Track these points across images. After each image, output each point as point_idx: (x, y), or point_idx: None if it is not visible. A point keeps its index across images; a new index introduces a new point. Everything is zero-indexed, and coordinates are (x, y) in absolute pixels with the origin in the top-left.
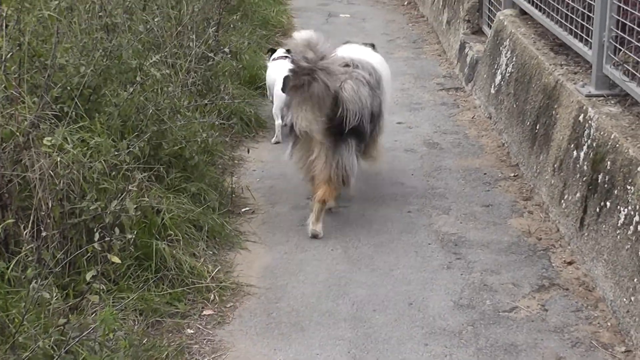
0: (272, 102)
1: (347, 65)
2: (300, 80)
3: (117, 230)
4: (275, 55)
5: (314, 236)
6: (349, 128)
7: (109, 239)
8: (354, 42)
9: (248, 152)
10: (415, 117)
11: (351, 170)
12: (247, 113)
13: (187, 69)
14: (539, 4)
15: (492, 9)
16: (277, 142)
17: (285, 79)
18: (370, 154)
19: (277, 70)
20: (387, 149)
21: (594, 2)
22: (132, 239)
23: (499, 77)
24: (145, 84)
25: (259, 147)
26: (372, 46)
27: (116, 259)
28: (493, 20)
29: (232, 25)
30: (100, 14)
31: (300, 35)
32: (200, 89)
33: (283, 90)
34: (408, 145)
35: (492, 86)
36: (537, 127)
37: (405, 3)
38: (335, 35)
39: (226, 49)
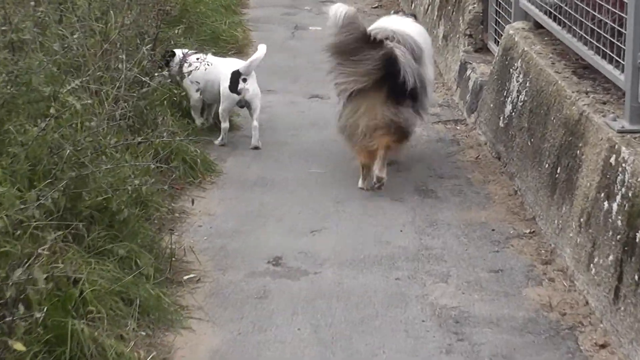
0: (196, 101)
1: (387, 38)
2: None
3: (21, 307)
4: (176, 59)
5: (379, 180)
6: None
7: (10, 319)
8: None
9: (192, 203)
10: (404, 157)
11: (412, 122)
12: (192, 153)
13: (115, 98)
14: (559, 15)
15: (499, 21)
16: (222, 145)
17: (235, 75)
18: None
19: (222, 66)
20: (370, 198)
21: (626, 14)
22: (41, 318)
23: (509, 107)
24: (62, 117)
25: (206, 196)
26: (414, 17)
27: (20, 346)
28: (501, 36)
29: (172, 42)
30: (3, 27)
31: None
32: (131, 123)
33: (232, 89)
34: (395, 192)
35: (501, 118)
36: (558, 171)
37: (392, 13)
38: (303, 55)
39: (165, 72)
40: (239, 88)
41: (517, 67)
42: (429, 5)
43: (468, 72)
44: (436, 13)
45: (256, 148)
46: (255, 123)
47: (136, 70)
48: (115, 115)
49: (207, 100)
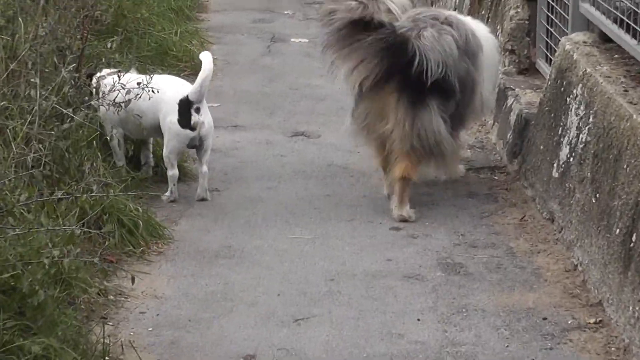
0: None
1: (435, 18)
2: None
3: None
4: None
5: (403, 221)
6: (430, 81)
7: None
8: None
9: (133, 281)
10: (422, 218)
11: (440, 134)
12: (131, 213)
13: (25, 137)
14: (634, 25)
15: (552, 31)
16: (172, 200)
17: (184, 104)
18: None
19: (165, 93)
20: (374, 275)
21: None
22: None
23: (565, 150)
24: None
25: (151, 271)
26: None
27: None
28: (554, 52)
29: (103, 60)
30: None
31: None
32: (49, 171)
33: (183, 123)
34: (410, 267)
35: (555, 166)
36: (634, 239)
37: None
38: (282, 77)
39: (94, 101)
40: (192, 122)
41: (577, 96)
42: (455, 10)
43: (509, 101)
44: None
45: (203, 200)
46: (204, 168)
47: (55, 100)
48: (26, 162)
49: (132, 136)
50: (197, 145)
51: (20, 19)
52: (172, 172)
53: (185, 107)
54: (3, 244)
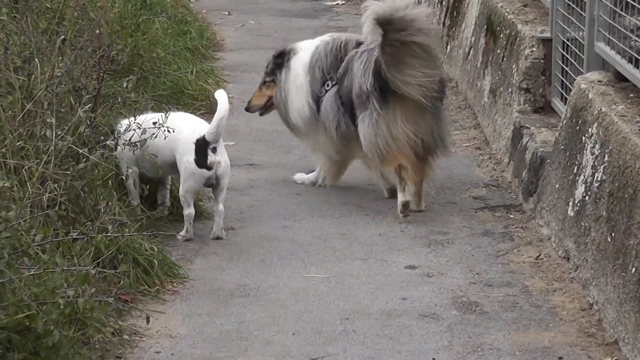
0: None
1: None
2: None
3: None
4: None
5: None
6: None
7: None
8: None
9: (148, 321)
10: (437, 257)
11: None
12: (146, 252)
13: (41, 177)
14: None
15: (567, 70)
16: (187, 239)
17: (200, 144)
18: None
19: (182, 132)
20: (390, 313)
21: None
22: None
23: (581, 189)
24: None
25: (166, 311)
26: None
27: None
28: (569, 91)
29: (120, 99)
30: None
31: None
32: (64, 210)
33: (199, 162)
34: (426, 306)
35: (570, 204)
36: None
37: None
38: None
39: (109, 141)
40: (209, 162)
41: (592, 135)
42: (470, 49)
43: (525, 139)
44: (480, 59)
45: (218, 238)
46: (221, 207)
47: (70, 140)
48: (42, 202)
49: (148, 175)
50: (213, 184)
51: (36, 60)
52: (188, 211)
53: (202, 147)
54: (18, 284)
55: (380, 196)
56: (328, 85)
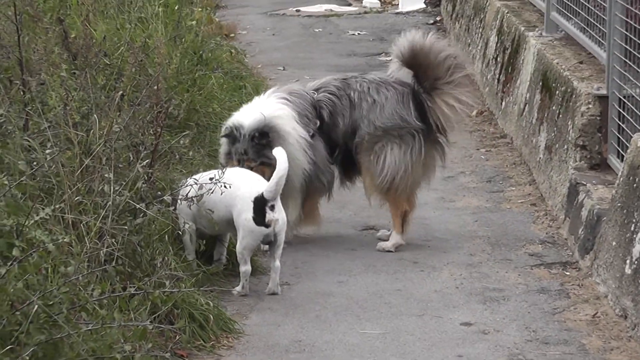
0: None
1: None
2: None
3: None
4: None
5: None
6: None
7: None
8: None
9: None
10: (493, 314)
11: None
12: (202, 307)
13: (99, 232)
14: None
15: (624, 127)
16: (243, 295)
17: (259, 202)
18: None
19: (239, 189)
20: None
21: None
22: None
23: (638, 247)
24: (28, 260)
25: None
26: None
27: None
28: (626, 148)
29: (177, 155)
30: None
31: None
32: (121, 265)
33: (258, 220)
34: None
35: (628, 262)
36: None
37: (474, 113)
38: None
39: (166, 197)
40: (267, 219)
41: None
42: (525, 105)
43: (581, 196)
44: (536, 115)
45: (274, 294)
46: (277, 263)
47: (128, 195)
48: (99, 256)
49: (205, 231)
50: (271, 241)
51: (95, 115)
52: (245, 268)
53: (260, 205)
54: (76, 339)
55: (437, 253)
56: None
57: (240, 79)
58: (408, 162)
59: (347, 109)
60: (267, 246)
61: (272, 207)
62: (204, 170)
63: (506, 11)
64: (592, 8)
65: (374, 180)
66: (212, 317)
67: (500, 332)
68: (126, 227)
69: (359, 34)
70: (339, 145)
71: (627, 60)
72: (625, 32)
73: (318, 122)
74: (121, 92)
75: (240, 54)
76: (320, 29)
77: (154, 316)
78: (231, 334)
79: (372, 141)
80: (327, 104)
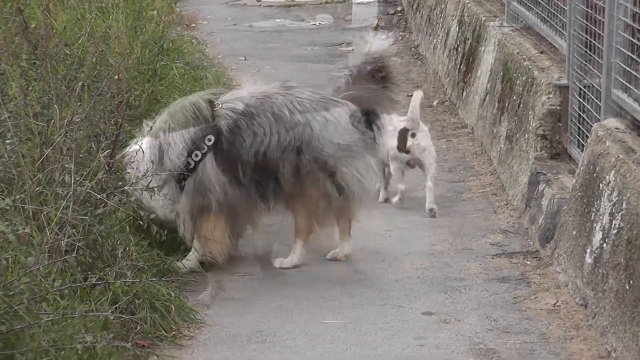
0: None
1: None
2: None
3: None
4: None
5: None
6: None
7: None
8: None
9: None
10: (454, 303)
11: None
12: (164, 297)
13: (60, 222)
14: None
15: (584, 117)
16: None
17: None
18: None
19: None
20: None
21: None
22: None
23: (598, 236)
24: None
25: (183, 356)
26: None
27: None
28: (586, 138)
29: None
30: None
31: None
32: (82, 256)
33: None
34: (443, 353)
35: (588, 251)
36: None
37: (435, 103)
38: None
39: (128, 187)
40: None
41: (610, 182)
42: (486, 95)
43: (541, 186)
44: (496, 105)
45: (432, 210)
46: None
47: (89, 185)
48: (60, 247)
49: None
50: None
51: (55, 105)
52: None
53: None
54: (37, 330)
55: (398, 243)
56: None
57: (202, 69)
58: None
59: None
60: None
61: None
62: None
63: (467, 1)
64: None
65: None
66: (173, 307)
67: (461, 322)
68: (87, 218)
69: (320, 24)
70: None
71: (587, 51)
72: (586, 23)
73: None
74: (82, 82)
75: (202, 44)
76: (282, 20)
77: (115, 306)
78: (193, 324)
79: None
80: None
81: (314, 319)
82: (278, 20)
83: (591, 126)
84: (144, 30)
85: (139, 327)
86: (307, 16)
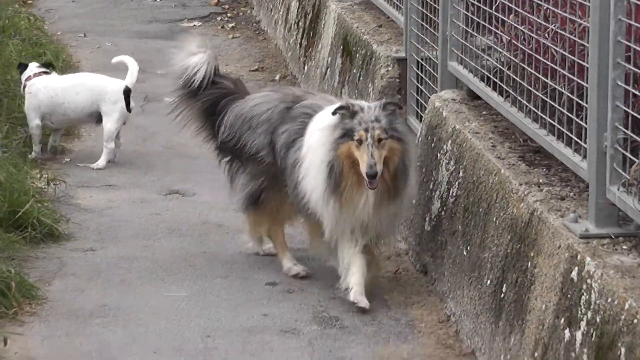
0: None
1: None
2: None
3: None
4: (28, 72)
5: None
6: None
7: None
8: None
9: (5, 343)
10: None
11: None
12: (2, 274)
13: None
14: (500, 83)
15: (422, 89)
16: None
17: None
18: None
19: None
20: (251, 330)
21: (587, 82)
22: None
23: (437, 205)
24: None
25: (24, 332)
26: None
27: None
28: (424, 108)
29: None
30: None
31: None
32: None
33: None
34: (287, 322)
35: (427, 219)
36: (504, 289)
37: (277, 78)
38: (157, 136)
39: None
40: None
41: (447, 151)
42: (327, 68)
43: None
44: (337, 78)
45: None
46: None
47: None
48: None
49: (54, 125)
50: None
51: None
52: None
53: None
54: None
55: (241, 214)
56: None
57: (40, 46)
58: None
59: None
60: None
61: None
62: None
63: None
64: None
65: None
66: (14, 284)
67: (305, 291)
68: None
69: (160, 0)
70: None
71: (424, 24)
72: None
73: None
74: None
75: (40, 20)
76: None
77: None
78: (34, 301)
79: None
80: None
81: (158, 293)
82: None
83: (429, 97)
84: None
85: None
86: None
